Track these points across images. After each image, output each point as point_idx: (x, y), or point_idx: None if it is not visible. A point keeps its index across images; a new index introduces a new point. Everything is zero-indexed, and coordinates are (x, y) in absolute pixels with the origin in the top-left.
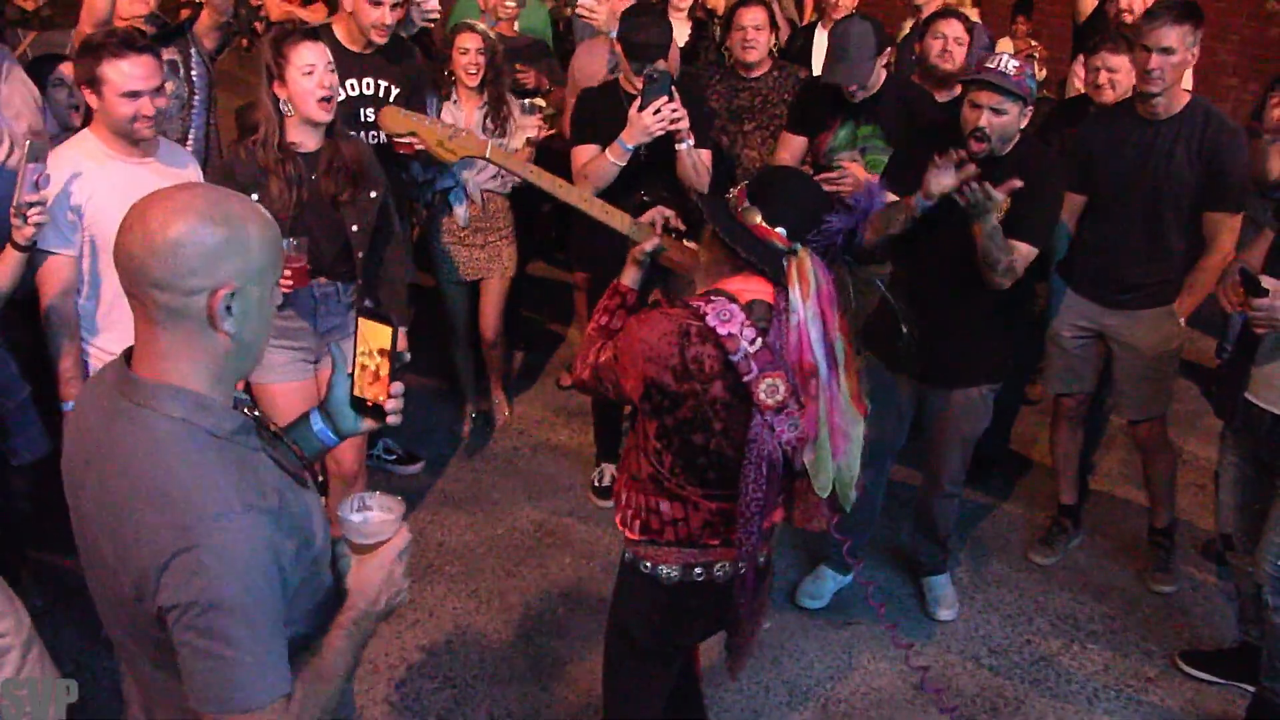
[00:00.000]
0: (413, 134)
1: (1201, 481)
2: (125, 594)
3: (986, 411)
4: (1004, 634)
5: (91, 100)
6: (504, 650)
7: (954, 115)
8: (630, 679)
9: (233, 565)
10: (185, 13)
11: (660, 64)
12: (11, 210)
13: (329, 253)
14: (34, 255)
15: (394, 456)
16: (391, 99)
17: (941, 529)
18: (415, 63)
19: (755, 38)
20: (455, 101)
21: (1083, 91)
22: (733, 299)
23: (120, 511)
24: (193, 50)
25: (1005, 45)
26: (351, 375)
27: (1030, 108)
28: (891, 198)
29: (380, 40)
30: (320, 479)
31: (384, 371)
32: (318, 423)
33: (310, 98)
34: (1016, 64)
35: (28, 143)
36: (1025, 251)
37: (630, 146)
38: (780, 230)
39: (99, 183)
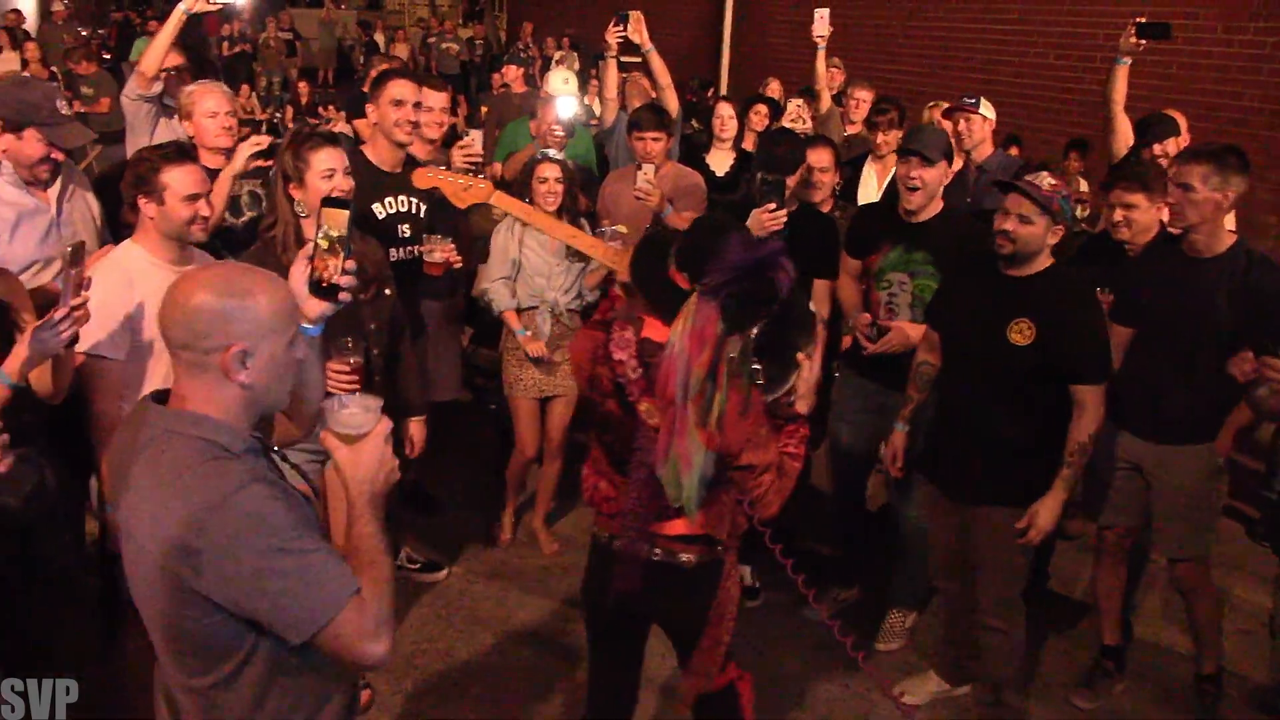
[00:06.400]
0: (437, 187)
1: (1249, 627)
2: (161, 588)
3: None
4: None
5: (148, 209)
6: None
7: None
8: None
9: (260, 513)
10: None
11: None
12: (55, 313)
13: None
14: (86, 361)
15: (417, 565)
16: (421, 214)
17: (991, 668)
18: None
19: (820, 179)
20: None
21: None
22: (638, 329)
23: (157, 512)
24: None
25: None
26: (312, 259)
27: (1059, 226)
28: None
29: (406, 139)
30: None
31: (338, 253)
32: None
33: None
34: (1052, 181)
35: (68, 248)
36: (1099, 395)
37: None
38: (685, 274)
39: (147, 289)
